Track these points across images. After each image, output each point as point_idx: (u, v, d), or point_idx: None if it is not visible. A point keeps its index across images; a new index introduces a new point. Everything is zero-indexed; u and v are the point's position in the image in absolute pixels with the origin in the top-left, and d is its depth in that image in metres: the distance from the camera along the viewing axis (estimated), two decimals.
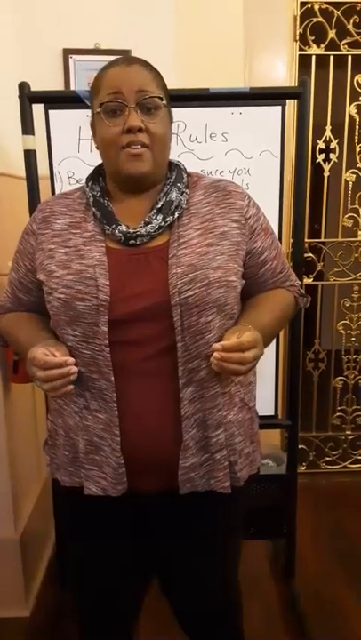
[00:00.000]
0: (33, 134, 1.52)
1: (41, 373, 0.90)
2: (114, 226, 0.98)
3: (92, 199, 1.02)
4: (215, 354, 0.88)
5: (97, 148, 1.03)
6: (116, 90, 0.94)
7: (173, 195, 1.00)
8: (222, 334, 0.97)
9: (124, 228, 0.98)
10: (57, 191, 1.57)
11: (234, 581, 1.20)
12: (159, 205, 0.99)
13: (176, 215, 1.00)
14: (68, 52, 1.95)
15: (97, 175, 1.06)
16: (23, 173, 1.55)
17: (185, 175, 1.06)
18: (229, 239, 1.00)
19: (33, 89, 1.50)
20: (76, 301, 0.94)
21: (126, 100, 0.94)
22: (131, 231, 0.97)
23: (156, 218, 0.98)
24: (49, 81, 1.91)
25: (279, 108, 1.56)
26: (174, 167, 1.06)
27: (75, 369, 0.90)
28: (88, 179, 1.06)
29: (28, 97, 1.49)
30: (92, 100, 1.00)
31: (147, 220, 0.98)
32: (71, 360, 0.90)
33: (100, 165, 1.07)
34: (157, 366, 0.97)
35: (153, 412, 0.98)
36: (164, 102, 0.97)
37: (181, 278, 0.94)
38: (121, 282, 0.95)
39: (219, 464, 1.02)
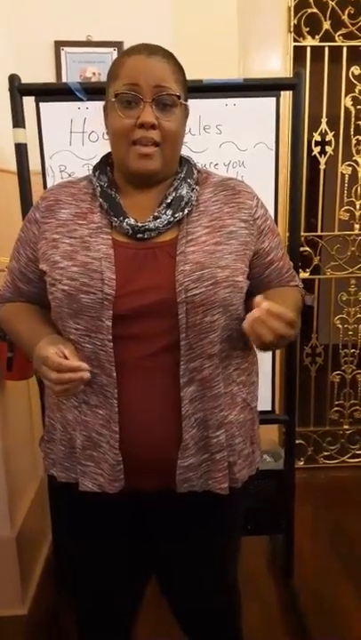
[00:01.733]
0: (24, 127, 1.50)
1: (54, 375, 0.88)
2: (121, 218, 0.96)
3: (99, 189, 0.99)
4: (255, 310, 0.84)
5: (109, 137, 1.00)
6: (133, 81, 0.91)
7: (184, 190, 0.98)
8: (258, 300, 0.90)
9: (132, 220, 0.96)
10: (49, 185, 1.54)
11: (232, 581, 1.19)
12: (169, 200, 0.97)
13: (186, 211, 0.98)
14: (59, 44, 1.93)
15: (104, 165, 1.03)
16: (14, 167, 1.53)
17: (195, 171, 1.04)
18: (237, 239, 0.98)
19: (24, 81, 1.48)
20: (80, 294, 0.92)
21: (143, 94, 0.91)
22: (139, 224, 0.95)
23: (165, 213, 0.96)
24: (40, 73, 1.89)
25: (274, 99, 1.54)
26: (185, 162, 1.04)
27: (88, 374, 0.89)
28: (95, 168, 1.03)
29: (18, 89, 1.47)
30: (108, 83, 0.97)
31: (155, 214, 0.96)
32: (85, 366, 0.89)
33: (108, 155, 1.04)
34: (160, 363, 0.96)
35: (153, 410, 0.97)
36: (180, 100, 0.94)
37: (189, 276, 0.92)
38: (127, 276, 0.93)
39: (218, 465, 1.00)
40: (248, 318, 0.86)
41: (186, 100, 0.99)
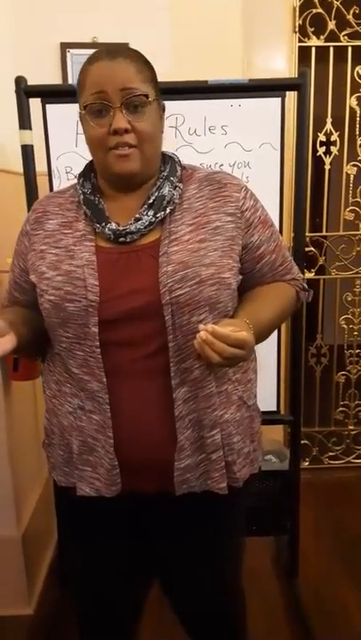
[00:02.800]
0: (30, 129, 1.50)
1: None
2: (103, 224, 0.96)
3: (82, 197, 0.99)
4: (201, 332, 0.82)
5: (87, 145, 1.00)
6: (99, 89, 0.90)
7: (166, 189, 0.97)
8: (218, 321, 0.91)
9: (113, 225, 0.95)
10: (55, 187, 1.55)
11: (235, 582, 1.18)
12: (150, 201, 0.96)
13: (168, 210, 0.96)
14: (65, 46, 1.93)
15: (88, 171, 1.03)
16: (21, 169, 1.54)
17: (179, 168, 1.02)
18: (223, 234, 0.97)
19: (30, 83, 1.49)
20: (65, 303, 0.93)
21: (111, 101, 0.90)
22: (120, 229, 0.95)
23: (146, 214, 0.95)
24: (46, 75, 1.90)
25: (279, 99, 1.54)
26: (168, 160, 1.02)
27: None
28: (80, 175, 1.03)
29: (24, 91, 1.48)
30: (77, 94, 0.96)
31: (137, 216, 0.95)
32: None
33: (92, 161, 1.04)
34: (150, 366, 0.95)
35: (147, 413, 0.96)
36: (149, 99, 0.92)
37: (172, 277, 0.91)
38: (110, 281, 0.93)
39: (215, 464, 0.99)
40: (195, 341, 0.83)
41: (158, 97, 0.97)
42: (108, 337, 0.93)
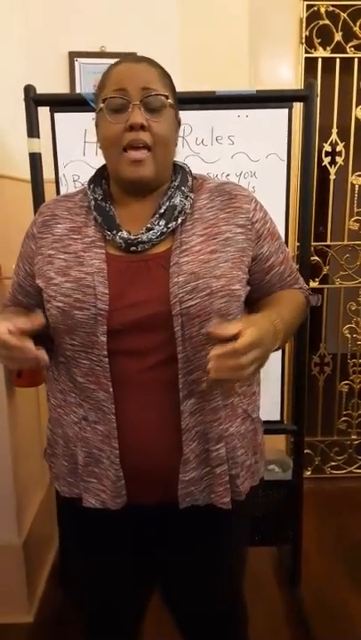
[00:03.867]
0: (38, 137, 1.52)
1: (3, 352, 0.86)
2: (115, 232, 0.95)
3: (92, 203, 0.99)
4: (210, 365, 0.79)
5: (100, 147, 1.00)
6: (120, 86, 0.91)
7: (177, 199, 0.97)
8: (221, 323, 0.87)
9: (125, 234, 0.94)
10: (62, 194, 1.56)
11: (238, 595, 1.18)
12: (162, 210, 0.96)
13: (179, 221, 0.96)
14: (73, 55, 1.95)
15: (99, 178, 1.03)
16: (29, 176, 1.55)
17: (190, 178, 1.02)
18: (234, 245, 0.96)
19: (39, 92, 1.50)
20: (74, 310, 0.91)
21: (130, 97, 0.90)
22: (132, 237, 0.94)
23: (158, 223, 0.94)
24: (55, 83, 1.91)
25: (286, 110, 1.55)
26: (179, 170, 1.02)
27: (43, 356, 0.86)
28: (90, 181, 1.03)
29: (33, 100, 1.49)
30: (97, 98, 0.97)
31: (149, 225, 0.95)
32: (29, 346, 0.85)
33: (104, 167, 1.04)
34: (157, 377, 0.94)
35: (153, 425, 0.95)
36: (169, 101, 0.93)
37: (183, 287, 0.90)
38: (120, 290, 0.92)
39: (219, 479, 0.98)
40: (210, 374, 0.80)
41: (175, 107, 0.97)
42: (115, 346, 0.92)
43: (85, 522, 1.06)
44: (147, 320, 0.92)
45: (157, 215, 0.95)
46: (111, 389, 0.93)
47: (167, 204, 0.96)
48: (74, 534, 1.14)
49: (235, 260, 0.96)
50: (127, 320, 0.92)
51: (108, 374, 0.93)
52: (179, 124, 1.01)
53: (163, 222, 0.95)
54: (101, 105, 0.93)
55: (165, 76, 0.96)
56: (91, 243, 0.96)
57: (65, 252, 0.97)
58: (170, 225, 0.95)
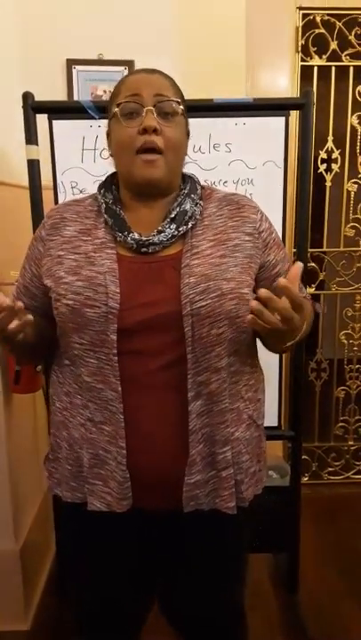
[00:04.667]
0: (36, 144, 1.52)
1: None
2: (126, 233, 0.97)
3: (104, 206, 1.01)
4: (254, 303, 0.80)
5: (111, 155, 1.02)
6: (135, 92, 0.95)
7: (187, 205, 0.99)
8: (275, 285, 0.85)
9: (136, 235, 0.96)
10: (60, 201, 1.56)
11: (238, 599, 1.18)
12: (173, 215, 0.98)
13: (190, 225, 0.98)
14: (71, 63, 1.96)
15: (110, 184, 1.05)
16: (27, 183, 1.55)
17: (199, 187, 1.05)
18: (243, 252, 0.99)
19: (37, 99, 1.51)
20: (84, 308, 0.92)
21: (144, 102, 0.94)
22: (143, 239, 0.96)
23: (169, 227, 0.97)
24: (52, 91, 1.92)
25: (283, 118, 1.57)
26: (188, 179, 1.05)
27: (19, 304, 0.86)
28: (100, 186, 1.05)
29: (31, 107, 1.49)
30: (110, 106, 1.00)
31: (160, 228, 0.97)
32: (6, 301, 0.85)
33: (113, 174, 1.06)
34: (166, 378, 0.95)
35: (160, 425, 0.96)
36: (181, 107, 0.97)
37: (194, 288, 0.92)
38: (132, 290, 0.94)
39: (225, 482, 0.99)
40: (251, 312, 0.82)
41: (185, 117, 1.01)
42: (125, 346, 0.93)
43: (88, 526, 1.06)
44: (157, 320, 0.93)
45: (168, 219, 0.98)
46: (119, 389, 0.94)
47: (178, 209, 0.99)
48: (76, 539, 1.13)
49: (243, 266, 0.98)
50: (137, 319, 0.93)
51: (117, 373, 0.93)
52: (188, 134, 1.04)
53: (174, 226, 0.97)
54: (115, 109, 0.96)
55: (176, 86, 1.00)
56: (101, 244, 0.98)
57: (75, 253, 0.98)
58: (181, 229, 0.98)
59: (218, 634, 1.15)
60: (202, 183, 1.08)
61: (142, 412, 0.95)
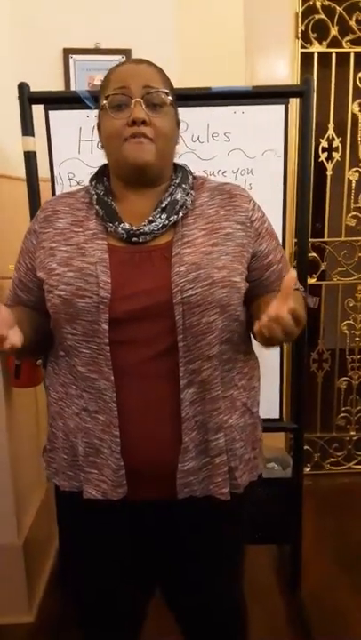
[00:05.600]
0: (33, 135, 1.50)
1: None
2: (117, 223, 0.97)
3: (95, 197, 1.01)
4: (271, 311, 0.83)
5: (102, 146, 1.02)
6: (123, 84, 0.94)
7: (178, 195, 1.00)
8: (273, 295, 0.89)
9: (127, 225, 0.97)
10: (57, 193, 1.55)
11: (236, 591, 1.19)
12: (163, 205, 0.98)
13: (180, 215, 0.99)
14: (68, 52, 1.93)
15: (101, 175, 1.06)
16: (23, 174, 1.53)
17: (190, 177, 1.05)
18: (234, 240, 0.99)
19: (33, 89, 1.48)
20: (76, 298, 0.93)
21: (132, 94, 0.94)
22: (134, 229, 0.96)
23: (160, 217, 0.97)
24: (49, 81, 1.89)
25: (282, 106, 1.54)
26: (180, 169, 1.06)
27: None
28: (92, 178, 1.06)
29: (27, 97, 1.47)
30: (99, 98, 1.00)
31: (150, 218, 0.97)
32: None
33: (105, 166, 1.06)
34: (158, 367, 0.96)
35: (153, 414, 0.97)
36: (170, 98, 0.97)
37: (184, 277, 0.92)
38: (123, 280, 0.94)
39: (218, 469, 1.00)
40: (264, 320, 0.84)
41: (175, 106, 1.01)
42: (117, 335, 0.94)
43: (85, 515, 1.07)
44: (148, 309, 0.94)
45: (159, 209, 0.98)
46: (112, 378, 0.95)
47: (168, 199, 0.99)
48: (73, 528, 1.16)
49: (235, 254, 0.98)
50: (129, 309, 0.93)
51: (109, 362, 0.94)
52: (178, 124, 1.04)
53: (164, 216, 0.98)
54: (104, 102, 0.96)
55: (165, 76, 1.00)
56: (92, 235, 0.98)
57: (67, 245, 0.98)
58: (171, 218, 0.98)
59: (215, 622, 1.15)
60: (196, 173, 1.08)
61: (135, 401, 0.96)
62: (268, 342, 0.90)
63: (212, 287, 0.93)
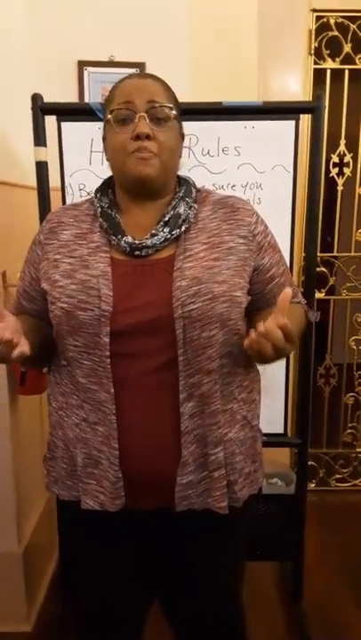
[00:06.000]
0: (45, 146, 1.52)
1: None
2: (120, 236, 0.98)
3: (99, 210, 1.02)
4: (260, 327, 0.85)
5: (107, 159, 1.04)
6: (127, 99, 0.95)
7: (181, 208, 1.00)
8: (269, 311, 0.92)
9: (129, 238, 0.97)
10: (68, 202, 1.56)
11: (233, 601, 1.18)
12: (166, 218, 0.99)
13: (183, 228, 0.99)
14: (82, 64, 1.95)
15: (106, 187, 1.07)
16: (35, 183, 1.55)
17: (194, 190, 1.06)
18: (236, 254, 0.99)
19: (48, 100, 1.50)
20: (78, 311, 0.94)
21: (136, 109, 0.95)
22: (136, 242, 0.97)
23: (162, 230, 0.98)
24: (63, 92, 1.92)
25: (293, 122, 1.54)
26: (184, 182, 1.06)
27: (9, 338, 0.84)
28: (97, 190, 1.07)
29: (40, 108, 1.49)
30: (104, 112, 1.01)
31: (153, 232, 0.98)
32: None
33: (110, 178, 1.07)
34: (158, 380, 0.96)
35: (152, 427, 0.97)
36: (174, 112, 0.98)
37: (185, 291, 0.93)
38: (124, 293, 0.95)
39: (217, 483, 1.00)
40: (250, 337, 0.87)
41: (179, 120, 1.01)
42: (118, 348, 0.94)
43: (84, 524, 1.08)
44: (149, 323, 0.94)
45: (162, 223, 0.99)
46: (112, 390, 0.95)
47: (171, 212, 1.00)
48: (72, 537, 1.16)
49: (237, 269, 0.98)
50: (130, 322, 0.94)
51: (109, 375, 0.95)
52: (182, 137, 1.05)
53: (167, 229, 0.98)
54: (109, 116, 0.97)
55: (169, 91, 1.00)
56: (96, 247, 0.99)
57: (70, 257, 0.99)
58: (174, 232, 0.98)
59: (210, 632, 1.15)
60: (201, 187, 1.09)
61: (135, 414, 0.97)
62: (259, 359, 0.90)
63: (212, 302, 0.93)
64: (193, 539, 1.06)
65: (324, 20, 2.28)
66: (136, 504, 1.00)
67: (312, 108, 1.54)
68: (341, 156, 2.41)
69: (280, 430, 1.72)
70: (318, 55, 2.31)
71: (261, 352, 0.86)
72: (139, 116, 0.94)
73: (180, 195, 1.02)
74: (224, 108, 1.51)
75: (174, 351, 0.94)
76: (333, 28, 2.29)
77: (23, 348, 0.87)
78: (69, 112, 1.55)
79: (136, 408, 0.96)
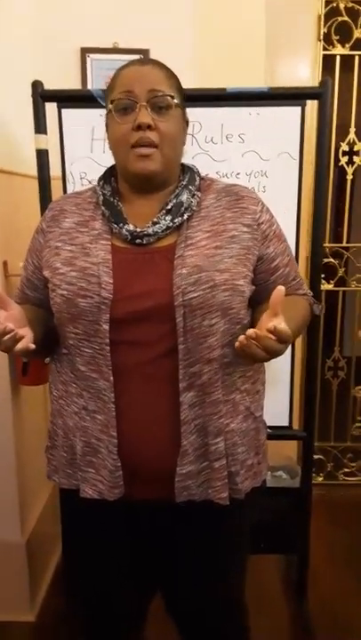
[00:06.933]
0: (45, 133, 1.50)
1: None
2: (121, 224, 0.97)
3: (101, 198, 1.02)
4: (250, 331, 0.83)
5: (110, 148, 1.03)
6: (128, 88, 0.94)
7: (184, 197, 0.99)
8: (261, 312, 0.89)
9: (131, 226, 0.97)
10: (69, 191, 1.54)
11: (237, 596, 1.17)
12: (169, 207, 0.98)
13: (185, 217, 0.98)
14: (85, 51, 1.93)
15: (109, 176, 1.06)
16: (35, 172, 1.54)
17: (198, 178, 1.05)
18: (239, 243, 0.98)
19: (50, 87, 1.49)
20: (78, 298, 0.93)
21: (137, 98, 0.93)
22: (138, 230, 0.96)
23: (164, 218, 0.97)
24: (66, 80, 1.89)
25: (298, 108, 1.51)
26: (187, 170, 1.06)
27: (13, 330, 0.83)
28: (100, 178, 1.06)
29: (40, 95, 1.47)
30: (106, 97, 1.00)
31: (155, 220, 0.97)
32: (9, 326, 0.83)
33: (113, 166, 1.07)
34: (158, 369, 0.96)
35: (152, 416, 0.97)
36: (175, 101, 0.96)
37: (186, 279, 0.92)
38: (125, 280, 0.94)
39: (217, 473, 0.99)
40: (240, 341, 0.84)
41: (182, 106, 1.00)
42: (117, 336, 0.94)
43: (84, 513, 1.08)
44: (149, 311, 0.93)
45: (164, 211, 0.98)
46: (112, 378, 0.95)
47: (174, 201, 0.99)
48: (73, 526, 1.16)
49: (240, 257, 0.97)
50: (130, 310, 0.93)
51: (109, 363, 0.94)
52: (187, 123, 1.04)
53: (169, 217, 0.97)
54: (110, 106, 0.97)
55: (172, 77, 0.98)
56: (97, 235, 0.99)
57: (72, 244, 0.99)
58: (176, 220, 0.97)
59: (211, 627, 1.14)
60: (205, 175, 1.08)
61: (134, 402, 0.96)
62: (251, 361, 0.89)
63: (213, 290, 0.92)
64: (192, 532, 1.05)
65: (334, 4, 2.23)
66: (136, 494, 1.00)
67: (318, 94, 1.51)
68: (351, 145, 2.36)
69: (285, 423, 1.69)
70: (327, 41, 2.26)
71: (252, 355, 0.85)
72: (140, 105, 0.93)
73: (184, 183, 1.02)
74: (228, 94, 1.48)
75: (174, 340, 0.93)
76: (343, 12, 2.24)
77: (28, 342, 0.86)
78: (70, 99, 1.53)
79: (135, 397, 0.96)
